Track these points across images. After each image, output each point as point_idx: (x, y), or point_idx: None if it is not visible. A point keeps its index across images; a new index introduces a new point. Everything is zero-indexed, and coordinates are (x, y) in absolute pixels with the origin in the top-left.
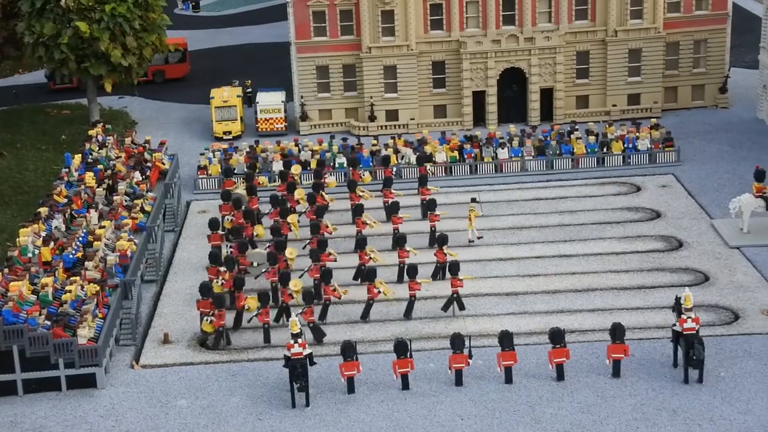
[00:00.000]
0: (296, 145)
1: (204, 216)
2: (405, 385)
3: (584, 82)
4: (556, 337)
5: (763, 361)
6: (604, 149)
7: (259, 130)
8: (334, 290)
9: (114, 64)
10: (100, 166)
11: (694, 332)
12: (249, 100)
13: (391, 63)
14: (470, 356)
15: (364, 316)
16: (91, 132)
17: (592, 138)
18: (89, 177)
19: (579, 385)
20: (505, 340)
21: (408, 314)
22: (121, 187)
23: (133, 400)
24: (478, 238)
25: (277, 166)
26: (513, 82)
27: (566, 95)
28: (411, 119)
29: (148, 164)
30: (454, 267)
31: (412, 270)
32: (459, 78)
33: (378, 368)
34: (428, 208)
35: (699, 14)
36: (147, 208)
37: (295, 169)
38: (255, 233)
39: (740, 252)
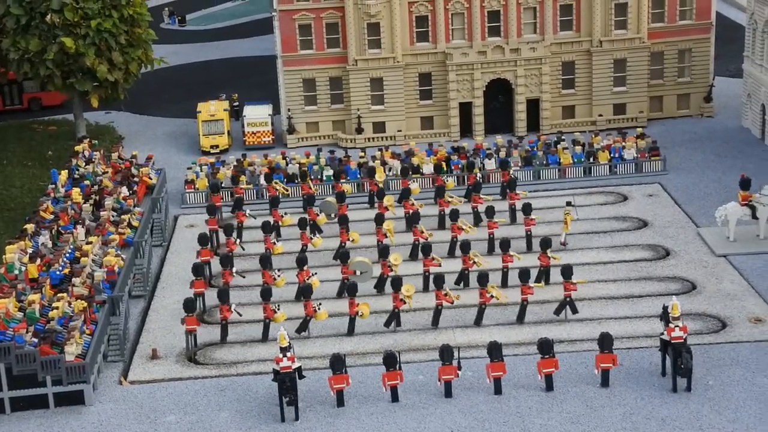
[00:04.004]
0: (284, 158)
1: (192, 230)
2: (394, 398)
3: (570, 93)
4: (545, 347)
5: (751, 369)
6: (591, 159)
7: (247, 143)
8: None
9: (100, 80)
10: (87, 182)
11: (682, 341)
12: (236, 114)
13: (377, 75)
14: (459, 367)
15: (388, 324)
16: (78, 148)
17: (578, 148)
18: (76, 193)
19: (568, 396)
20: (494, 350)
21: (435, 323)
22: (108, 202)
23: (121, 417)
24: (563, 243)
25: (236, 181)
26: (499, 93)
27: (552, 106)
28: (398, 131)
29: (135, 179)
30: (567, 270)
31: (439, 279)
32: (445, 89)
33: (367, 381)
34: (451, 218)
35: (683, 24)
36: (134, 223)
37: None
38: (351, 239)
39: (727, 260)
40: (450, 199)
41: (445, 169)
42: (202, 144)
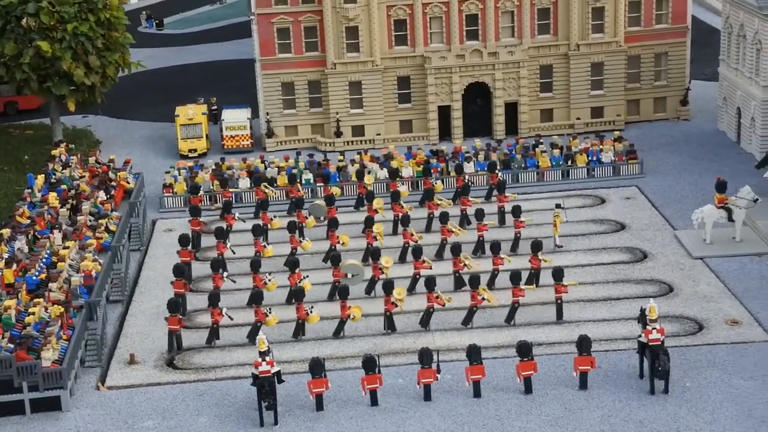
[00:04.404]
0: (262, 161)
1: (170, 234)
2: (374, 401)
3: (548, 96)
4: (524, 350)
5: (728, 371)
6: (569, 162)
7: (225, 147)
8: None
9: (77, 84)
10: (64, 186)
11: (660, 343)
12: (214, 118)
13: (356, 79)
14: (438, 371)
15: (389, 327)
16: (54, 152)
17: (556, 151)
18: (52, 197)
19: (547, 398)
20: (473, 354)
21: (425, 324)
22: (85, 207)
23: (99, 423)
24: (557, 246)
25: (244, 183)
26: (478, 96)
27: (530, 109)
28: (377, 134)
29: (113, 183)
30: (558, 273)
31: (431, 282)
32: (424, 93)
33: (346, 385)
34: (441, 220)
35: (659, 28)
36: (112, 227)
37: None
38: (341, 242)
39: (703, 262)
40: (439, 202)
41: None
42: (181, 148)
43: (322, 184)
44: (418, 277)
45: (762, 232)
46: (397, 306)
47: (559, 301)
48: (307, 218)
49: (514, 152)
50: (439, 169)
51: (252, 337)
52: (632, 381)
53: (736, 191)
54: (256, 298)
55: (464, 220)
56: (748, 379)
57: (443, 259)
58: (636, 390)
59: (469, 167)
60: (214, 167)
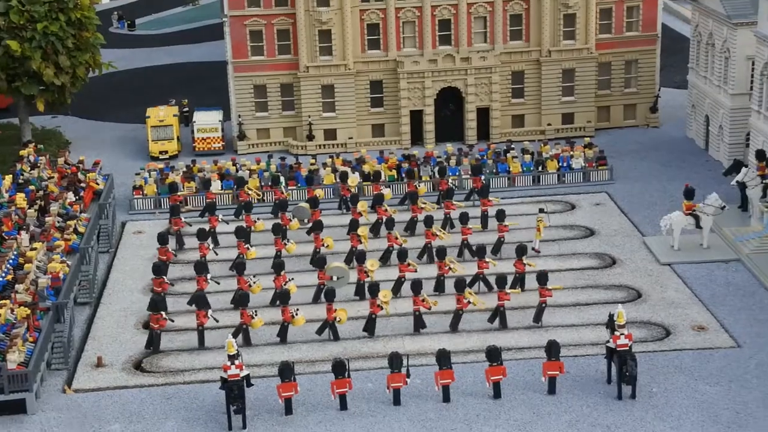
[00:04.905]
0: (234, 164)
1: (140, 237)
2: (343, 406)
3: (519, 102)
4: (493, 355)
5: (694, 377)
6: (540, 168)
7: (196, 149)
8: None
9: (46, 84)
10: (32, 187)
11: (627, 348)
12: (186, 120)
13: (328, 82)
14: (408, 375)
15: (368, 330)
16: (23, 152)
17: (527, 157)
18: (20, 198)
19: (515, 403)
20: (443, 358)
21: (417, 328)
22: (54, 208)
23: (65, 426)
24: (536, 250)
25: (215, 185)
26: (450, 101)
27: (502, 114)
28: (349, 138)
29: (82, 184)
30: (543, 277)
31: (416, 285)
32: (396, 97)
33: (316, 389)
34: (425, 224)
35: (630, 35)
36: (80, 229)
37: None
38: (325, 244)
39: (671, 269)
40: (423, 205)
41: (416, 175)
42: (151, 150)
43: (293, 187)
44: (403, 280)
45: (729, 239)
46: (382, 309)
47: (543, 305)
48: (291, 221)
49: (485, 157)
50: (431, 175)
51: (246, 340)
52: (600, 386)
53: (704, 198)
54: (241, 301)
55: (449, 224)
56: (714, 385)
57: (430, 262)
58: (604, 395)
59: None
60: (185, 169)
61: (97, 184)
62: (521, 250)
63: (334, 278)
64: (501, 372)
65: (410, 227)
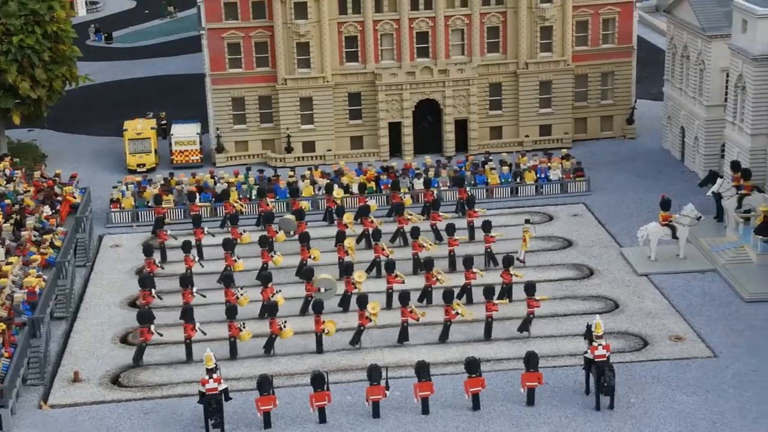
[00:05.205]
0: (212, 177)
1: (117, 250)
2: (322, 419)
3: (497, 114)
4: (472, 366)
5: (671, 387)
6: (518, 179)
7: (174, 162)
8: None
9: (22, 97)
10: (8, 201)
11: (605, 359)
12: (164, 132)
13: (307, 95)
14: (387, 387)
15: (354, 342)
16: None
17: (505, 168)
18: None
19: (494, 414)
20: (422, 370)
21: (402, 339)
22: (30, 221)
23: None
24: (520, 260)
25: (193, 198)
26: (428, 113)
27: (480, 126)
28: (328, 150)
29: (59, 198)
30: (531, 287)
31: (404, 296)
32: (375, 109)
33: (295, 402)
34: (412, 235)
35: (606, 47)
36: (57, 243)
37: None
38: (312, 256)
39: (648, 279)
40: (409, 217)
41: (374, 188)
42: (129, 163)
43: (272, 200)
44: (391, 291)
45: (705, 249)
46: (371, 321)
47: (531, 316)
48: (277, 233)
49: (463, 169)
50: (409, 187)
51: (232, 353)
52: (578, 397)
53: (680, 209)
54: (230, 313)
55: (435, 235)
56: (691, 395)
57: (417, 273)
58: (582, 406)
59: (418, 184)
60: (162, 182)
61: (74, 197)
62: (508, 261)
63: (322, 290)
64: (480, 383)
65: (396, 237)
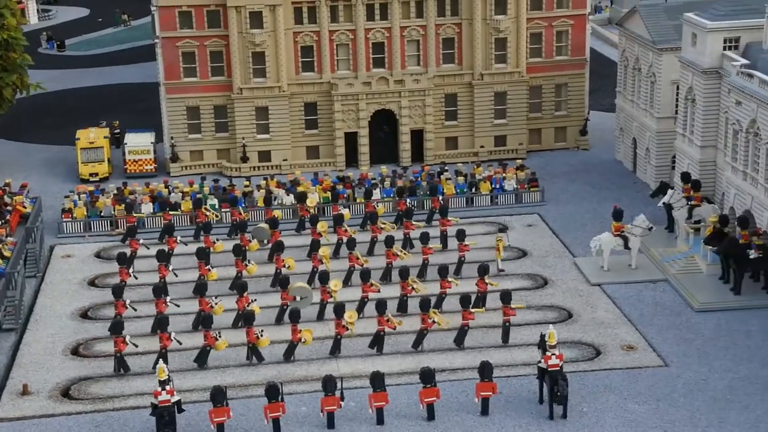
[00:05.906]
0: (166, 186)
1: (68, 261)
2: (276, 430)
3: (453, 124)
4: (427, 376)
5: (623, 396)
6: (473, 189)
7: (128, 171)
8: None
9: None
10: None
11: (559, 369)
12: (117, 141)
13: (262, 104)
14: (342, 398)
15: (335, 350)
16: None
17: (461, 178)
18: None
19: (449, 424)
20: (377, 381)
21: (379, 349)
22: None
23: None
24: (500, 270)
25: (147, 208)
26: (384, 123)
27: (436, 137)
28: (284, 160)
29: (8, 208)
30: (506, 296)
31: (381, 305)
32: (331, 119)
33: (249, 413)
34: (387, 244)
35: (559, 59)
36: (6, 253)
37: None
38: (286, 265)
39: (601, 289)
40: (383, 226)
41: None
42: (81, 172)
43: (226, 210)
44: (366, 300)
45: (656, 259)
46: (348, 329)
47: (507, 324)
48: (250, 241)
49: (419, 179)
50: (345, 195)
51: (200, 361)
52: (532, 406)
53: (632, 219)
54: (205, 322)
55: (407, 244)
56: (643, 404)
57: (390, 282)
58: (536, 415)
59: (375, 193)
60: (115, 192)
61: (24, 207)
62: (483, 270)
63: (297, 298)
64: (435, 393)
65: (370, 248)
